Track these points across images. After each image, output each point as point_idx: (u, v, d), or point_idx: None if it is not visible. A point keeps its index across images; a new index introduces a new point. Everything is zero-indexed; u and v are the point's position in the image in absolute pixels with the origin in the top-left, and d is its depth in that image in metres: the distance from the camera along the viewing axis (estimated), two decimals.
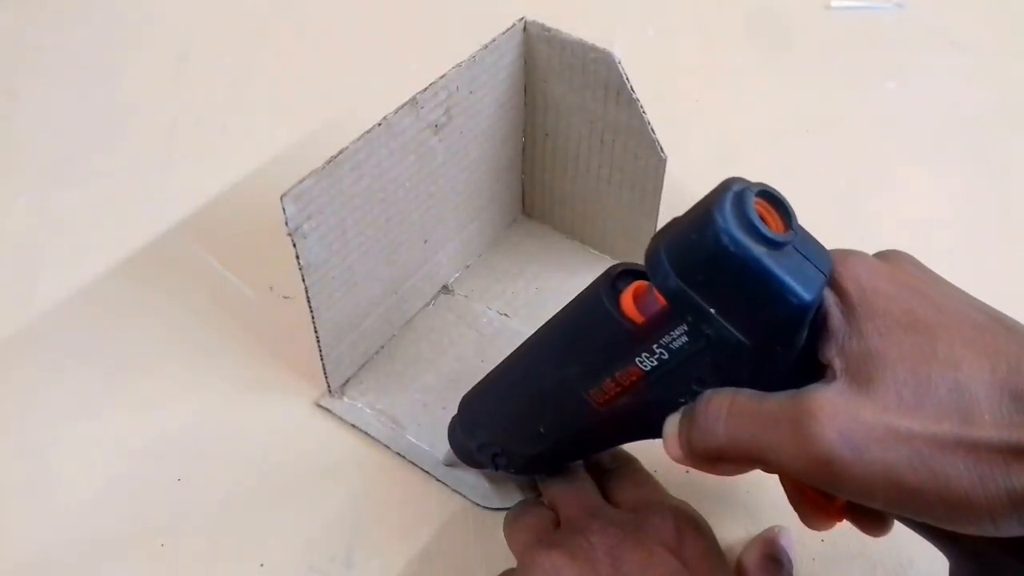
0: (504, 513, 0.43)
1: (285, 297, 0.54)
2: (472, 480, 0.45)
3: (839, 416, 0.28)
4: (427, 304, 0.53)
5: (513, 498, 0.44)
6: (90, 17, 0.76)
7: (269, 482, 0.46)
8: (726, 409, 0.32)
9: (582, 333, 0.35)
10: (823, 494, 0.35)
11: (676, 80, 0.70)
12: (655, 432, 0.35)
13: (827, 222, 0.59)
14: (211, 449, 0.47)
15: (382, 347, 0.51)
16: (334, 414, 0.48)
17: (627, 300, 0.33)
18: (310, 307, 0.44)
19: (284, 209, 0.39)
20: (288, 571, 0.43)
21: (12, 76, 0.71)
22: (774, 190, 0.33)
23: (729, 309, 0.30)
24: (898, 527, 0.44)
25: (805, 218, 0.59)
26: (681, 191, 0.59)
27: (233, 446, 0.47)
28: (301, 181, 0.40)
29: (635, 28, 0.75)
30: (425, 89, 0.45)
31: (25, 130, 0.66)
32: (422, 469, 0.46)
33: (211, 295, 0.54)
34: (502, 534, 0.42)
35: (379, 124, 0.43)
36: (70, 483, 0.46)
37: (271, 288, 0.55)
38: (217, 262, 0.56)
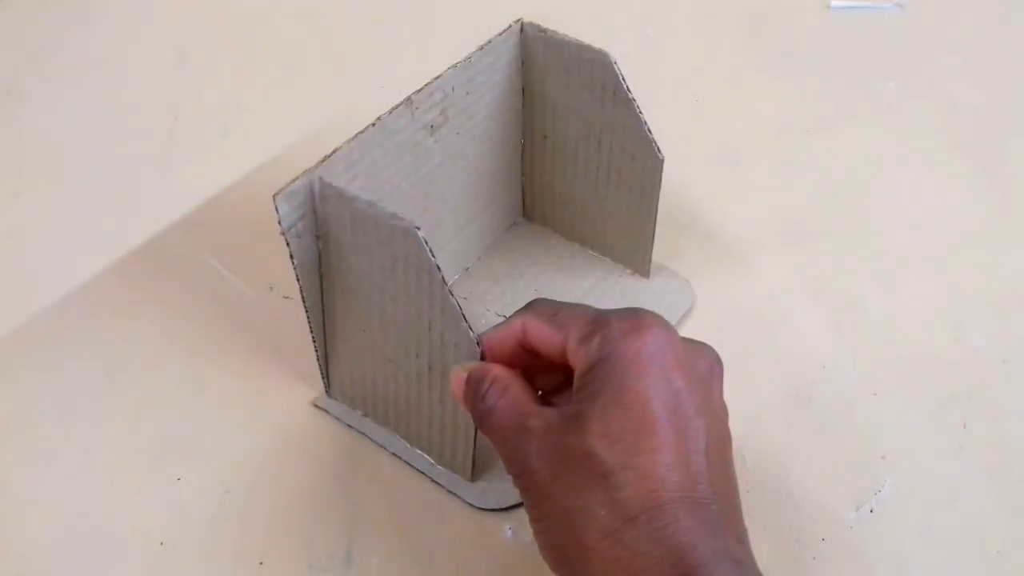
0: (498, 514, 0.43)
1: (285, 297, 0.54)
2: (466, 481, 0.45)
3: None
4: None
5: (507, 499, 0.44)
6: (90, 17, 0.76)
7: (268, 480, 0.46)
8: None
9: None
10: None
11: (676, 80, 0.70)
12: None
13: (827, 222, 0.59)
14: (211, 449, 0.47)
15: None
16: (331, 415, 0.48)
17: None
18: (305, 308, 0.44)
19: (277, 208, 0.40)
20: (287, 569, 0.43)
21: (12, 76, 0.71)
22: None
23: None
24: (903, 534, 0.44)
25: (804, 218, 0.60)
26: (680, 192, 0.59)
27: (233, 445, 0.47)
28: (294, 180, 0.40)
29: (635, 28, 0.75)
30: (420, 90, 0.45)
31: (25, 130, 0.66)
32: (418, 471, 0.46)
33: (211, 295, 0.54)
34: (499, 533, 0.42)
35: (373, 124, 0.43)
36: (70, 482, 0.46)
37: (271, 288, 0.55)
38: (217, 262, 0.56)
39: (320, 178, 0.40)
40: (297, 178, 0.40)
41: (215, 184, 0.61)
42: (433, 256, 0.38)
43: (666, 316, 0.51)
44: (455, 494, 0.45)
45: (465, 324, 0.38)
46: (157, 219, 0.59)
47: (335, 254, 0.42)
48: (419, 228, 0.38)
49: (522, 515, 0.44)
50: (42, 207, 0.60)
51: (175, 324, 0.53)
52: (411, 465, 0.46)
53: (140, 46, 0.74)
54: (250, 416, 0.49)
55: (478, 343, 0.39)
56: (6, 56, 0.73)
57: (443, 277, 0.38)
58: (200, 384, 0.50)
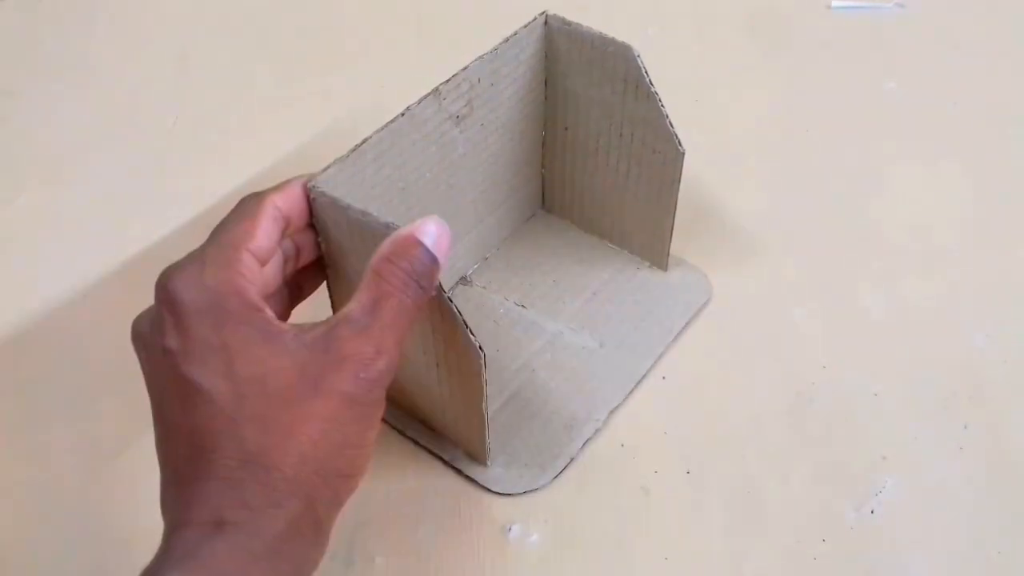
0: (516, 499, 0.44)
1: None
2: (482, 466, 0.46)
3: None
4: (446, 293, 0.54)
5: (522, 484, 0.45)
6: (90, 17, 0.76)
7: None
8: None
9: None
10: None
11: (676, 80, 0.69)
12: None
13: (827, 222, 0.59)
14: None
15: None
16: None
17: None
18: (331, 295, 0.44)
19: (309, 196, 0.40)
20: None
21: (12, 76, 0.71)
22: None
23: None
24: (903, 534, 0.44)
25: (804, 218, 0.60)
26: (690, 188, 0.59)
27: None
28: (325, 169, 0.40)
29: (635, 28, 0.75)
30: (448, 80, 0.45)
31: (25, 130, 0.66)
32: (434, 455, 0.46)
33: None
34: (515, 525, 0.42)
35: (402, 114, 0.44)
36: (70, 484, 0.46)
37: None
38: None
39: (314, 186, 0.40)
40: (329, 166, 0.41)
41: (215, 185, 0.61)
42: None
43: (683, 309, 0.53)
44: (471, 478, 0.45)
45: (466, 330, 0.39)
46: (157, 219, 0.59)
47: (337, 255, 0.42)
48: None
49: (527, 512, 0.45)
50: (42, 207, 0.60)
51: None
52: (428, 450, 0.46)
53: (140, 46, 0.74)
54: None
55: (480, 348, 0.39)
56: (6, 56, 0.73)
57: (441, 285, 0.38)
58: None
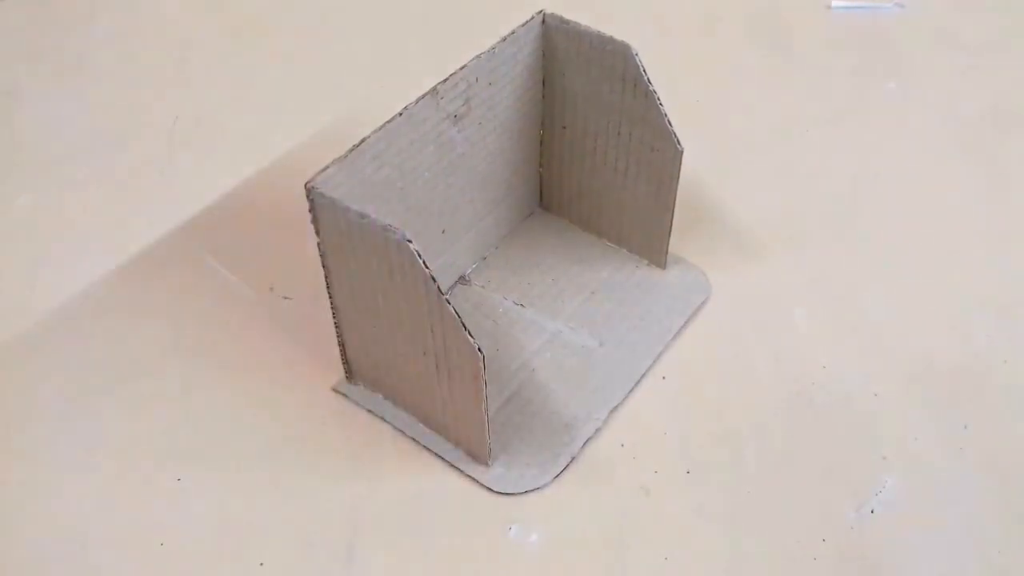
0: (516, 499, 0.44)
1: (285, 298, 0.54)
2: (483, 466, 0.46)
3: None
4: (445, 294, 0.54)
5: (523, 484, 0.45)
6: (90, 17, 0.76)
7: (269, 481, 0.46)
8: None
9: None
10: None
11: (676, 80, 0.70)
12: None
13: (827, 222, 0.59)
14: (211, 449, 0.47)
15: None
16: (350, 399, 0.49)
17: None
18: (330, 294, 0.44)
19: (308, 197, 0.40)
20: (288, 569, 0.43)
21: (12, 76, 0.71)
22: None
23: None
24: (904, 534, 0.44)
25: (804, 218, 0.60)
26: (680, 190, 0.59)
27: (232, 446, 0.47)
28: (324, 169, 0.40)
29: (635, 28, 0.75)
30: (445, 80, 0.45)
31: (25, 130, 0.66)
32: (434, 454, 0.46)
33: (212, 296, 0.54)
34: (515, 525, 0.42)
35: (400, 114, 0.44)
36: (71, 483, 0.46)
37: (271, 288, 0.54)
38: (218, 263, 0.56)
39: (313, 187, 0.40)
40: (328, 167, 0.41)
41: (215, 185, 0.61)
42: (427, 267, 0.38)
43: (682, 308, 0.53)
44: (472, 478, 0.45)
45: (465, 332, 0.39)
46: (157, 220, 0.59)
47: (336, 257, 0.42)
48: (411, 240, 0.38)
49: (527, 512, 0.44)
50: (42, 207, 0.60)
51: (176, 324, 0.53)
52: (427, 449, 0.46)
53: (140, 46, 0.74)
54: (251, 417, 0.49)
55: (479, 349, 0.39)
56: (6, 56, 0.73)
57: (439, 287, 0.38)
58: (200, 383, 0.50)
